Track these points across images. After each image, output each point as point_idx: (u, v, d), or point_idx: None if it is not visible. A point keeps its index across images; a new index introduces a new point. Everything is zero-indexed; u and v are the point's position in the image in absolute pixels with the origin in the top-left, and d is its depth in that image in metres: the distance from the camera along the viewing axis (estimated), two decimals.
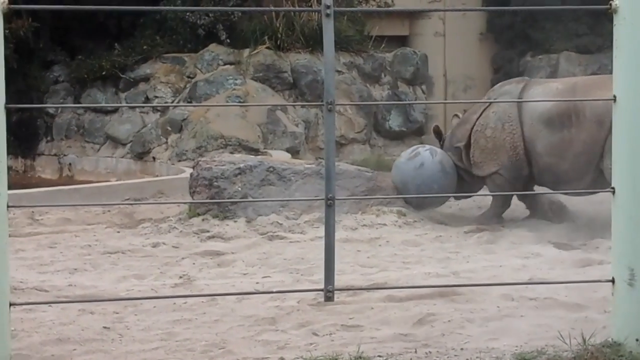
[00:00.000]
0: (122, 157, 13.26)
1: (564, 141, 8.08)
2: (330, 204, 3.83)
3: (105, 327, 4.92)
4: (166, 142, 12.88)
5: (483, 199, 8.91)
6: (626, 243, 3.79)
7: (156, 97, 13.23)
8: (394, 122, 13.62)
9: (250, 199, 8.26)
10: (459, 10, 17.66)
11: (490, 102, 8.63)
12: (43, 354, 4.41)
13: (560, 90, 8.31)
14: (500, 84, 9.03)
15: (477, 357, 4.10)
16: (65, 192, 9.75)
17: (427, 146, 8.90)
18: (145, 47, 13.43)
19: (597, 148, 7.83)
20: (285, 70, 12.98)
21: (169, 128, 12.88)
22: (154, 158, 12.89)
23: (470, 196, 8.77)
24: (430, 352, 4.21)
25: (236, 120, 12.42)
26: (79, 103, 13.71)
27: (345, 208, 8.21)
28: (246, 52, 13.03)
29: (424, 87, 14.19)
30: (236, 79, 12.89)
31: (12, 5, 3.57)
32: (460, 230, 7.94)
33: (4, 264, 3.59)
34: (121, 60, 13.42)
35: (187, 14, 13.01)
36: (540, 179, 8.40)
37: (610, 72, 4.04)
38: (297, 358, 4.16)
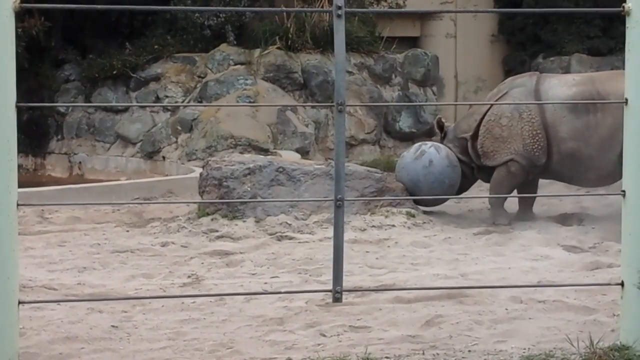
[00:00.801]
0: (132, 157, 13.27)
1: (589, 126, 8.19)
2: (339, 205, 3.82)
3: (113, 326, 4.93)
4: (176, 142, 12.89)
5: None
6: (636, 246, 3.77)
7: (167, 96, 13.24)
8: (404, 123, 13.60)
9: (260, 199, 8.26)
10: (471, 11, 17.61)
11: (491, 103, 8.68)
12: (51, 352, 4.42)
13: (577, 81, 8.48)
14: (511, 78, 9.11)
15: (485, 359, 4.09)
16: (75, 190, 9.76)
17: (429, 143, 8.94)
18: (156, 46, 13.45)
19: (622, 133, 7.85)
20: (296, 71, 12.98)
21: (179, 127, 12.89)
22: (163, 157, 12.90)
23: (480, 198, 8.77)
24: (437, 354, 4.20)
25: (246, 120, 12.42)
26: (90, 102, 13.73)
27: (355, 209, 8.21)
28: (257, 52, 13.03)
29: (434, 88, 14.17)
30: (247, 79, 12.89)
31: (24, 5, 3.57)
32: (469, 232, 7.93)
33: (14, 262, 3.59)
34: (132, 60, 13.44)
35: (198, 14, 13.02)
36: (560, 167, 8.41)
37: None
38: (305, 359, 4.16)
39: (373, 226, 7.98)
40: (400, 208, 8.32)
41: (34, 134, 14.00)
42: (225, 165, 8.47)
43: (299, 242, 7.53)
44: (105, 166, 13.44)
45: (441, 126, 9.00)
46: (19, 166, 14.08)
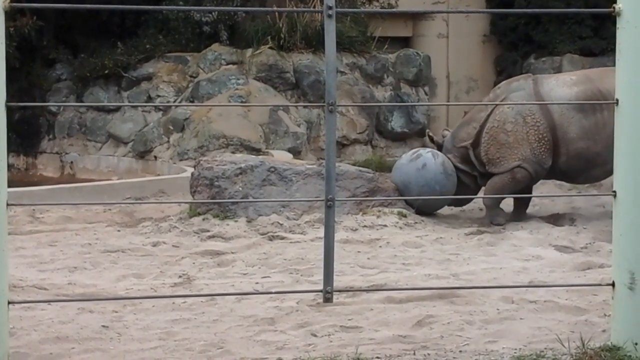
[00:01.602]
0: (124, 156, 13.26)
1: (597, 124, 8.22)
2: (330, 205, 3.82)
3: (104, 326, 4.92)
4: (168, 142, 12.87)
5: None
6: (627, 247, 3.78)
7: (158, 96, 13.22)
8: (396, 123, 13.60)
9: (251, 199, 8.25)
10: (463, 12, 17.62)
11: (483, 103, 8.68)
12: (41, 352, 4.40)
13: (575, 80, 8.49)
14: (506, 82, 9.00)
15: None
16: (66, 190, 9.74)
17: (428, 148, 8.93)
18: (148, 46, 13.43)
19: None
20: (288, 71, 12.98)
21: (171, 127, 12.87)
22: (155, 157, 12.88)
23: (472, 199, 8.76)
24: (428, 354, 4.20)
25: (238, 120, 12.42)
26: (82, 101, 13.71)
27: (346, 209, 8.20)
28: (249, 51, 13.03)
29: (426, 88, 14.18)
30: (239, 79, 12.89)
31: (14, 4, 3.56)
32: (461, 232, 7.93)
33: (3, 262, 3.58)
34: (124, 59, 13.43)
35: (190, 13, 13.01)
36: (566, 168, 8.41)
37: None
38: (295, 359, 4.15)
39: (365, 226, 7.97)
40: (392, 208, 8.32)
41: (26, 134, 13.97)
42: (217, 165, 8.47)
43: (291, 242, 7.53)
44: (96, 166, 13.42)
45: (432, 138, 9.00)
46: (11, 165, 14.11)
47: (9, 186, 3.63)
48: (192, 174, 8.68)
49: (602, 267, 6.42)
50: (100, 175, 12.97)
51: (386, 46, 13.82)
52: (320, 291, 3.91)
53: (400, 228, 8.00)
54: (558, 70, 13.70)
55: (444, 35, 15.23)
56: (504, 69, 14.92)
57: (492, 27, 15.29)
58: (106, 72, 13.47)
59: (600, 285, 4.37)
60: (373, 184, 8.60)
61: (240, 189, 8.34)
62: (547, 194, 9.20)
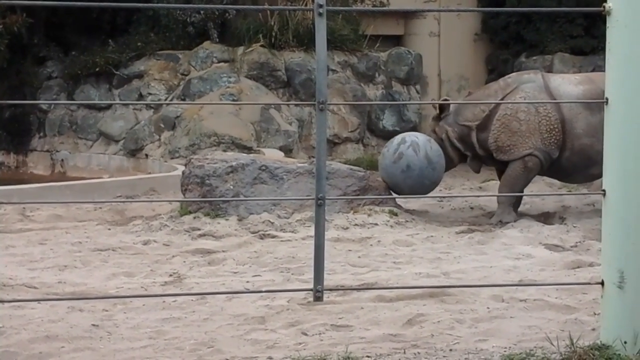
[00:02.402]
0: (115, 154, 13.23)
1: (602, 122, 8.24)
2: (320, 204, 3.81)
3: (94, 325, 4.91)
4: (159, 140, 12.85)
5: (475, 198, 8.91)
6: (616, 246, 3.78)
7: (150, 94, 13.20)
8: (388, 121, 13.61)
9: (242, 197, 8.24)
10: (454, 10, 17.65)
11: (483, 102, 8.69)
12: (31, 352, 4.39)
13: (579, 79, 8.67)
14: (516, 73, 9.21)
15: (465, 358, 4.10)
16: (56, 188, 9.71)
17: (408, 141, 8.61)
18: (139, 44, 13.40)
19: None
20: (280, 69, 12.97)
21: (162, 125, 12.85)
22: (146, 155, 12.86)
23: (463, 197, 8.78)
24: (419, 353, 4.20)
25: (229, 118, 12.40)
26: (72, 99, 13.68)
27: (337, 207, 8.20)
28: (240, 50, 13.01)
29: (418, 87, 14.18)
30: (230, 77, 12.87)
31: (4, 1, 3.54)
32: (452, 231, 7.93)
33: None
34: (115, 57, 13.39)
35: (180, 11, 12.99)
36: (566, 164, 8.51)
37: None
38: (286, 357, 4.15)
39: (356, 224, 7.97)
40: (383, 207, 8.33)
41: (16, 131, 13.93)
42: (208, 164, 8.46)
43: (282, 241, 7.52)
44: (87, 164, 13.39)
45: (443, 108, 8.85)
46: (1, 163, 14.08)
47: None
48: (183, 172, 8.66)
49: (592, 265, 6.43)
50: (91, 174, 12.95)
51: (378, 44, 13.82)
52: (311, 290, 3.90)
53: (391, 227, 8.00)
54: (549, 69, 13.72)
55: (436, 33, 15.23)
56: (495, 68, 14.94)
57: (484, 26, 15.31)
58: (97, 69, 13.44)
59: (589, 283, 4.38)
60: (364, 182, 8.60)
61: (232, 187, 8.34)
62: (538, 193, 9.21)
